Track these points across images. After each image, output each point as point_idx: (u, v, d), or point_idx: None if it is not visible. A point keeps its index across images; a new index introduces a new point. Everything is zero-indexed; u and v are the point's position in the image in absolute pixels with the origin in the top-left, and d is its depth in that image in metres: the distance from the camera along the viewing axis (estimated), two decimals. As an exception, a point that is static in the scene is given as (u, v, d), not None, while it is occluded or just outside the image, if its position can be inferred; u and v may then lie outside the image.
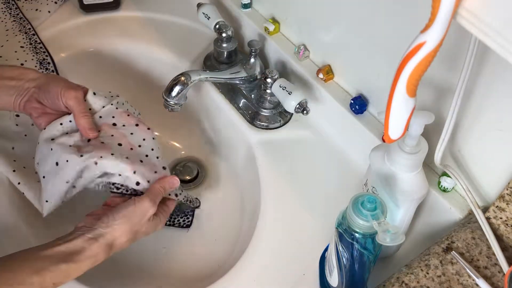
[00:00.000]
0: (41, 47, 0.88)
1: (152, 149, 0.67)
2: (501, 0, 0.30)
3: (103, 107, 0.68)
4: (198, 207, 0.78)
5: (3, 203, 0.71)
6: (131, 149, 0.65)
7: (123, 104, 0.70)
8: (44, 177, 0.65)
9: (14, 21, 0.92)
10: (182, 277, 0.74)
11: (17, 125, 0.75)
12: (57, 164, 0.63)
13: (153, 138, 0.68)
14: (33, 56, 0.87)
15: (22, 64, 0.85)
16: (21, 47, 0.88)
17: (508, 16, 0.30)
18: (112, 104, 0.68)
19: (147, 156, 0.66)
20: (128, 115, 0.68)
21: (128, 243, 0.60)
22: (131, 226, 0.59)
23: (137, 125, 0.68)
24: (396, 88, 0.41)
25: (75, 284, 0.63)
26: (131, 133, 0.67)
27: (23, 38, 0.89)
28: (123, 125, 0.67)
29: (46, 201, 0.65)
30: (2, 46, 0.88)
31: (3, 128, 0.75)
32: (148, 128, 0.68)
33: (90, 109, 0.67)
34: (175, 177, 0.66)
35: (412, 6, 0.57)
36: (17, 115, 0.76)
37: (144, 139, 0.67)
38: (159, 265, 0.76)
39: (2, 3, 0.95)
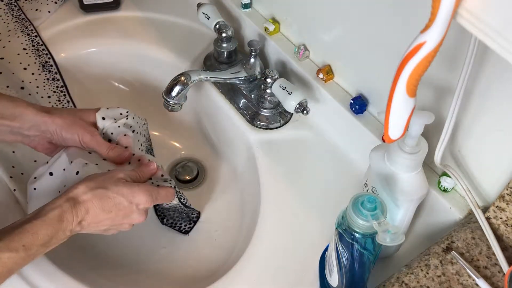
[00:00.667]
0: (43, 49, 0.88)
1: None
2: (501, 0, 0.30)
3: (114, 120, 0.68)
4: (198, 216, 0.78)
5: (6, 203, 0.71)
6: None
7: (133, 120, 0.69)
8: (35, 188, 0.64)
9: (16, 21, 0.92)
10: (182, 277, 0.74)
11: None
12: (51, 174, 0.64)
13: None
14: (36, 58, 0.86)
15: (25, 69, 0.85)
16: (24, 49, 0.88)
17: (508, 16, 0.30)
18: (119, 126, 0.68)
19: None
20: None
21: (99, 201, 0.57)
22: (95, 182, 0.57)
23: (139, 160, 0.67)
24: (396, 88, 0.41)
25: (75, 283, 0.63)
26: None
27: (26, 40, 0.89)
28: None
29: None
30: (4, 47, 0.88)
31: None
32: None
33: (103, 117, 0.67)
34: (152, 161, 0.63)
35: (412, 6, 0.57)
36: None
37: None
38: (159, 265, 0.76)
39: (4, 4, 0.94)
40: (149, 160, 0.65)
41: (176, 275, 0.74)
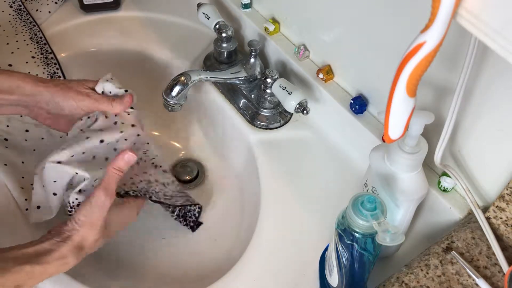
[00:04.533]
0: (52, 58, 0.87)
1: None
2: (501, 0, 0.30)
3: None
4: (200, 209, 0.78)
5: (8, 207, 0.71)
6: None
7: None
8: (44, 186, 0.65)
9: (24, 25, 0.92)
10: (182, 277, 0.74)
11: (26, 140, 0.76)
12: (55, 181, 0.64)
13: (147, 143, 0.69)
14: (44, 68, 0.85)
15: None
16: (32, 57, 0.87)
17: (508, 16, 0.30)
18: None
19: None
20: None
21: (101, 239, 0.59)
22: (94, 223, 0.58)
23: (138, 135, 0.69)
24: (396, 88, 0.41)
25: (75, 283, 0.63)
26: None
27: (35, 48, 0.88)
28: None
29: (38, 207, 0.66)
30: (12, 53, 0.87)
31: (14, 143, 0.75)
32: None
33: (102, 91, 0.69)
34: (127, 151, 0.61)
35: (412, 6, 0.57)
36: (27, 130, 0.76)
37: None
38: (159, 265, 0.76)
39: (10, 6, 0.94)
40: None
41: (176, 275, 0.74)
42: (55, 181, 0.64)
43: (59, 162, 0.63)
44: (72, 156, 0.63)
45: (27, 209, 0.68)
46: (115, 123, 0.68)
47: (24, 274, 0.52)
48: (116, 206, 0.61)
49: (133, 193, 0.65)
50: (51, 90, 0.65)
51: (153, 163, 0.70)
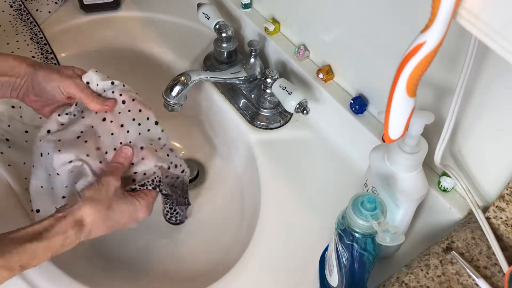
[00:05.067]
0: (52, 58, 0.87)
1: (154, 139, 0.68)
2: (501, 0, 0.30)
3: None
4: (187, 203, 0.76)
5: (13, 208, 0.71)
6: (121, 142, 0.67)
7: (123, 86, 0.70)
8: (41, 186, 0.66)
9: (25, 25, 0.92)
10: (182, 277, 0.74)
11: (26, 141, 0.76)
12: (49, 175, 0.65)
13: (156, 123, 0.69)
14: None
15: None
16: (33, 57, 0.87)
17: (508, 16, 0.30)
18: (113, 83, 0.69)
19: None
20: (133, 100, 0.69)
21: (103, 222, 0.59)
22: (97, 202, 0.58)
23: (140, 110, 0.68)
24: (396, 88, 0.41)
25: (75, 283, 0.63)
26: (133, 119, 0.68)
27: (35, 48, 0.88)
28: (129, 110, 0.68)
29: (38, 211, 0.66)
30: (12, 52, 0.87)
31: (16, 143, 0.76)
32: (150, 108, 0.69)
33: (88, 82, 0.68)
34: (125, 147, 0.66)
35: (412, 6, 0.57)
36: (26, 131, 0.76)
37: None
38: (159, 265, 0.76)
39: (10, 6, 0.94)
40: (121, 144, 0.66)
41: (176, 275, 0.74)
42: (66, 186, 0.64)
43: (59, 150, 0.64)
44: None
45: (32, 210, 0.68)
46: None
47: (27, 253, 0.52)
48: (123, 197, 0.61)
49: (143, 186, 0.65)
50: (40, 73, 0.65)
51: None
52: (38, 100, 0.68)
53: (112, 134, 0.67)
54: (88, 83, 0.67)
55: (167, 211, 0.74)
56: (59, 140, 0.65)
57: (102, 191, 0.59)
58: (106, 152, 0.66)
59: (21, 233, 0.54)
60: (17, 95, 0.67)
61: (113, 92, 0.67)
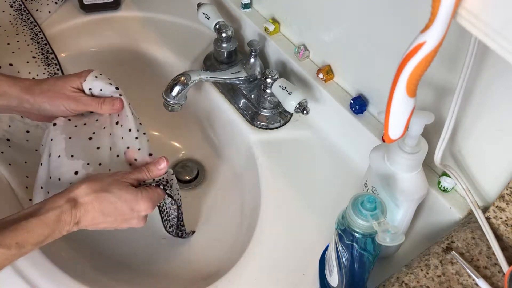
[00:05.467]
0: (52, 58, 0.87)
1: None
2: (501, 0, 0.30)
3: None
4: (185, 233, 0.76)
5: (13, 207, 0.71)
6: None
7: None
8: (49, 192, 0.65)
9: (25, 25, 0.91)
10: (182, 277, 0.74)
11: (27, 140, 0.76)
12: (50, 177, 0.64)
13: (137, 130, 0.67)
14: (45, 68, 0.85)
15: (33, 78, 0.84)
16: (33, 57, 0.87)
17: (508, 16, 0.30)
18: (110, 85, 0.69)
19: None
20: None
21: (99, 204, 0.56)
22: (99, 183, 0.57)
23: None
24: (396, 88, 0.41)
25: (75, 283, 0.63)
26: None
27: (35, 48, 0.88)
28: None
29: None
30: (13, 52, 0.87)
31: (17, 143, 0.76)
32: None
33: (90, 88, 0.68)
34: (163, 158, 0.63)
35: (412, 6, 0.57)
36: (28, 131, 0.76)
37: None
38: (159, 265, 0.76)
39: (10, 6, 0.94)
40: (163, 157, 0.64)
41: (176, 275, 0.74)
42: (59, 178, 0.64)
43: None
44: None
45: (30, 199, 0.68)
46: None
47: (21, 229, 0.51)
48: (126, 187, 0.59)
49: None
50: (36, 99, 0.66)
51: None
52: (42, 117, 0.68)
53: (122, 138, 0.66)
54: (90, 89, 0.67)
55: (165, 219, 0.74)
56: (70, 138, 0.65)
57: (109, 176, 0.58)
58: (118, 156, 0.66)
59: (16, 214, 0.53)
60: (22, 114, 0.68)
61: (120, 95, 0.68)
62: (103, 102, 0.67)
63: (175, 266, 0.76)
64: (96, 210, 0.56)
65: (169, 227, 0.72)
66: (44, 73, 0.84)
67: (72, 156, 0.64)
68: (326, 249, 0.65)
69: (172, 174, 0.66)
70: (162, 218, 0.70)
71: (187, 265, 0.76)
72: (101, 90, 0.68)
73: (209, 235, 0.79)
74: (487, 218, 0.59)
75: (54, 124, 0.67)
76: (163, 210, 0.69)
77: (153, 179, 0.64)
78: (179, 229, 0.74)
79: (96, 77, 0.68)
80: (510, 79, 0.52)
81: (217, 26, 0.81)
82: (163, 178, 0.64)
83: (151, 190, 0.61)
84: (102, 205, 0.57)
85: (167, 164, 0.63)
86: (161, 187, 0.63)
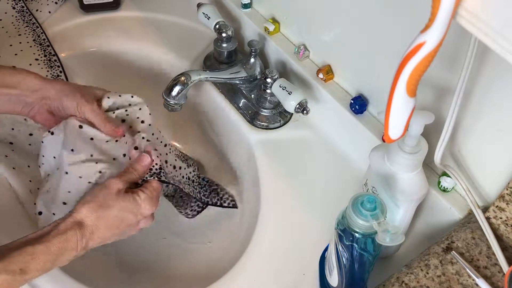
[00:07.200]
0: (55, 60, 0.87)
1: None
2: (501, 0, 0.30)
3: (117, 108, 0.68)
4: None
5: (17, 211, 0.71)
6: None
7: (139, 109, 0.69)
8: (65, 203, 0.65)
9: (27, 26, 0.91)
10: (182, 277, 0.74)
11: (30, 144, 0.76)
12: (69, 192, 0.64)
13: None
14: (48, 70, 0.85)
15: None
16: (36, 59, 0.86)
17: (508, 16, 0.30)
18: (126, 111, 0.68)
19: None
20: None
21: (103, 221, 0.57)
22: (97, 202, 0.57)
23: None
24: (396, 88, 0.41)
25: (75, 283, 0.63)
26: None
27: (38, 50, 0.88)
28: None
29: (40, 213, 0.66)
30: (16, 54, 0.87)
31: (20, 146, 0.75)
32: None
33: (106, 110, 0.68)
34: (145, 154, 0.63)
35: (412, 6, 0.57)
36: (31, 134, 0.76)
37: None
38: (159, 265, 0.76)
39: (12, 7, 0.94)
40: (144, 154, 0.64)
41: (176, 275, 0.74)
42: (69, 192, 0.63)
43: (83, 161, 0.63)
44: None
45: (35, 213, 0.68)
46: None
47: (26, 255, 0.51)
48: (124, 196, 0.59)
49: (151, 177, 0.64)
50: (57, 87, 0.65)
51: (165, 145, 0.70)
52: (50, 118, 0.67)
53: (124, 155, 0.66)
54: (110, 99, 0.67)
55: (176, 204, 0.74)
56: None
57: (101, 191, 0.58)
58: (124, 155, 0.65)
59: (21, 239, 0.53)
60: (29, 112, 0.66)
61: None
62: (107, 123, 0.65)
63: (174, 266, 0.76)
64: (102, 228, 0.57)
65: (198, 193, 0.72)
66: (46, 75, 0.84)
67: (72, 150, 0.63)
68: (326, 249, 0.65)
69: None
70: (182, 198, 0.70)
71: (187, 265, 0.76)
72: (113, 113, 0.67)
73: (209, 235, 0.79)
74: (487, 218, 0.59)
75: (52, 133, 0.66)
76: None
77: (148, 172, 0.64)
78: (203, 195, 0.73)
79: (120, 96, 0.68)
80: (510, 79, 0.52)
81: (217, 26, 0.81)
82: (153, 167, 0.64)
83: (147, 189, 0.61)
84: (106, 221, 0.57)
85: (150, 159, 0.63)
86: (155, 178, 0.63)
